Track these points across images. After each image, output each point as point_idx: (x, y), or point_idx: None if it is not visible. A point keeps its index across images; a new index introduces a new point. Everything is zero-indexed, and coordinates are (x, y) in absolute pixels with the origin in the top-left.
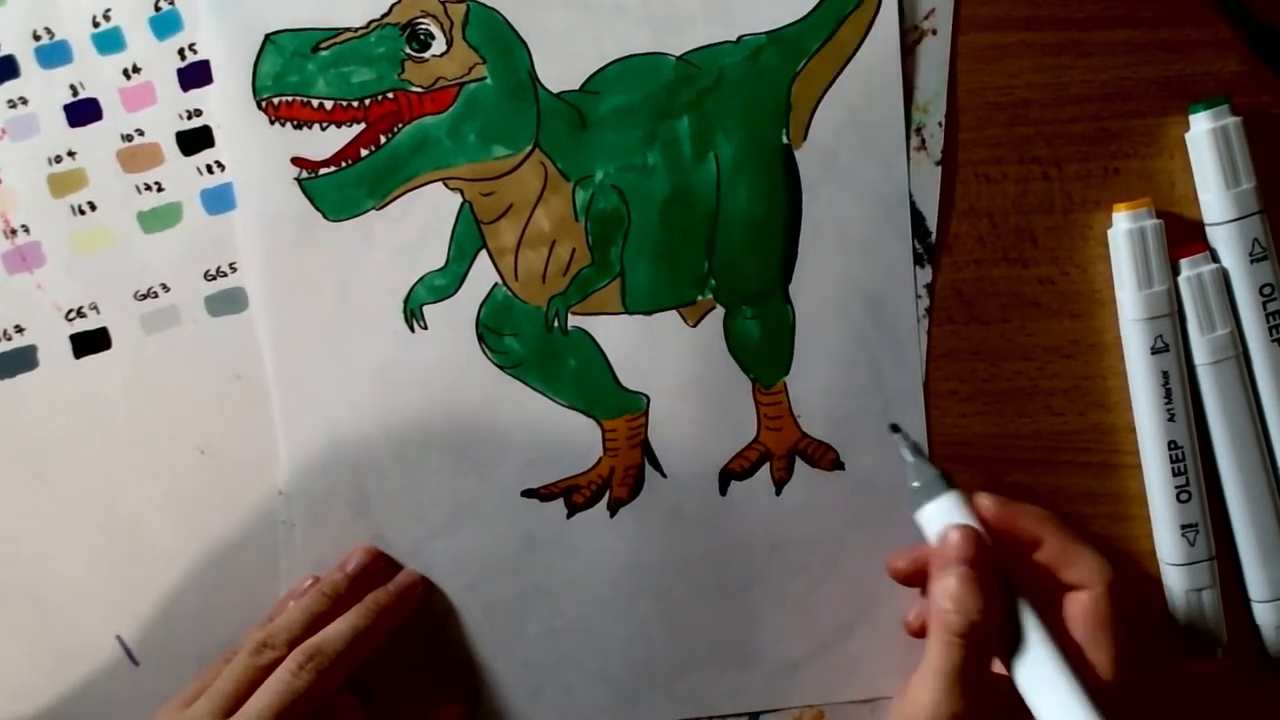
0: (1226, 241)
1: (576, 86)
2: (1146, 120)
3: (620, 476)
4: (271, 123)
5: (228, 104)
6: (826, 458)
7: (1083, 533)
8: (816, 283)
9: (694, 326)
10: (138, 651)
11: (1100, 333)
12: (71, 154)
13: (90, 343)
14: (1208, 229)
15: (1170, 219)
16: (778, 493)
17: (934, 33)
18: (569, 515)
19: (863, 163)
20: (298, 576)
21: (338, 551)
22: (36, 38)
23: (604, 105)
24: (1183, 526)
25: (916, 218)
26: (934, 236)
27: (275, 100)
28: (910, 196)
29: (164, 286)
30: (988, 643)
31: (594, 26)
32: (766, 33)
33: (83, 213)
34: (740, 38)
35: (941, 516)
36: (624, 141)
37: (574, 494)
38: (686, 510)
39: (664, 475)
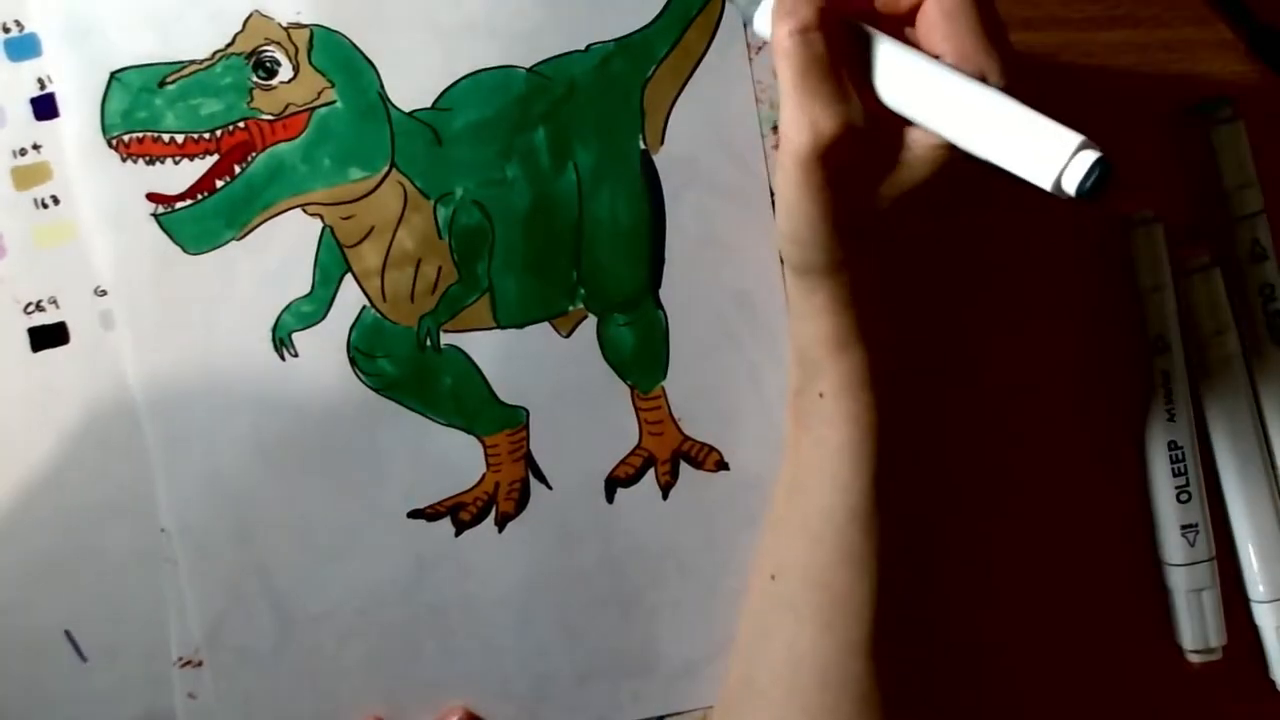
0: (1226, 241)
1: (429, 104)
2: (1147, 120)
3: (505, 491)
4: (123, 160)
5: (77, 144)
6: (710, 459)
7: (1083, 533)
8: (687, 286)
9: (567, 337)
10: (86, 648)
11: (1101, 333)
12: (36, 147)
13: (48, 337)
14: (1208, 229)
15: (1170, 219)
16: (664, 497)
17: None
18: (457, 533)
19: (722, 164)
20: (186, 616)
21: (224, 588)
22: (6, 30)
23: (458, 121)
24: (1183, 526)
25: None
26: None
27: (125, 137)
28: (772, 195)
29: None
30: (814, 38)
31: (442, 45)
32: (615, 40)
33: (46, 206)
34: (589, 46)
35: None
36: (481, 156)
37: (460, 512)
38: (575, 520)
39: (549, 487)
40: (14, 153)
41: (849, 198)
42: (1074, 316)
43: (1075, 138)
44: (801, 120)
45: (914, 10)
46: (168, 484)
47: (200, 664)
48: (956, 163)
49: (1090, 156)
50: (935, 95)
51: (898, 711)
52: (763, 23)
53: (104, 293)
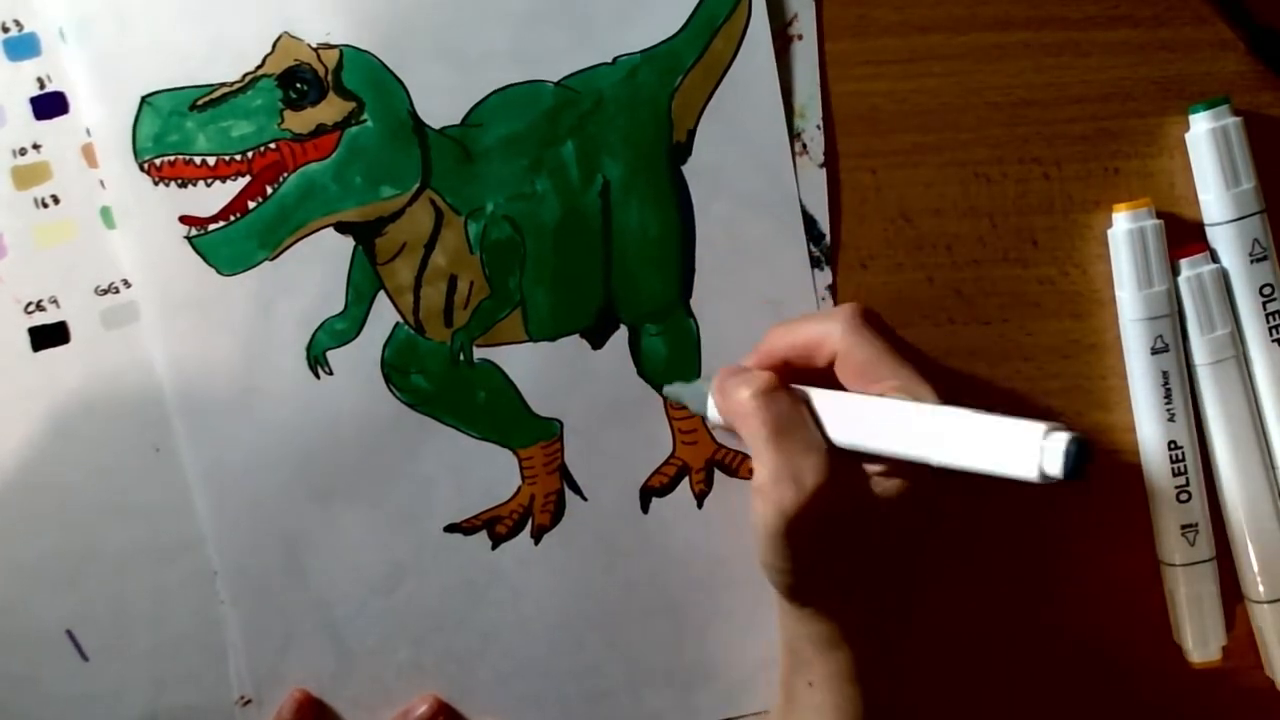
0: (1226, 241)
1: (458, 121)
2: (1146, 120)
3: (541, 503)
4: (155, 184)
5: (110, 169)
6: (745, 466)
7: (1083, 533)
8: (717, 294)
9: (600, 349)
10: (88, 648)
11: (1100, 333)
12: (36, 146)
13: (48, 336)
14: (1208, 229)
15: (1170, 219)
16: (699, 505)
17: (800, 38)
18: (493, 546)
19: (749, 172)
20: (244, 662)
21: (283, 624)
22: (5, 30)
23: (488, 137)
24: (1183, 526)
25: (808, 221)
26: (828, 239)
27: (157, 161)
28: (800, 201)
29: (125, 282)
30: (777, 403)
31: (470, 62)
32: (641, 52)
33: (46, 205)
34: (616, 58)
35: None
36: (511, 171)
37: (496, 525)
38: (611, 531)
39: (584, 498)
40: (14, 152)
41: (827, 544)
42: (1074, 316)
43: (1039, 426)
44: (783, 473)
45: (830, 363)
46: (212, 518)
47: (252, 702)
48: (921, 488)
49: (1062, 439)
50: (899, 429)
51: None
52: (714, 411)
53: (104, 292)
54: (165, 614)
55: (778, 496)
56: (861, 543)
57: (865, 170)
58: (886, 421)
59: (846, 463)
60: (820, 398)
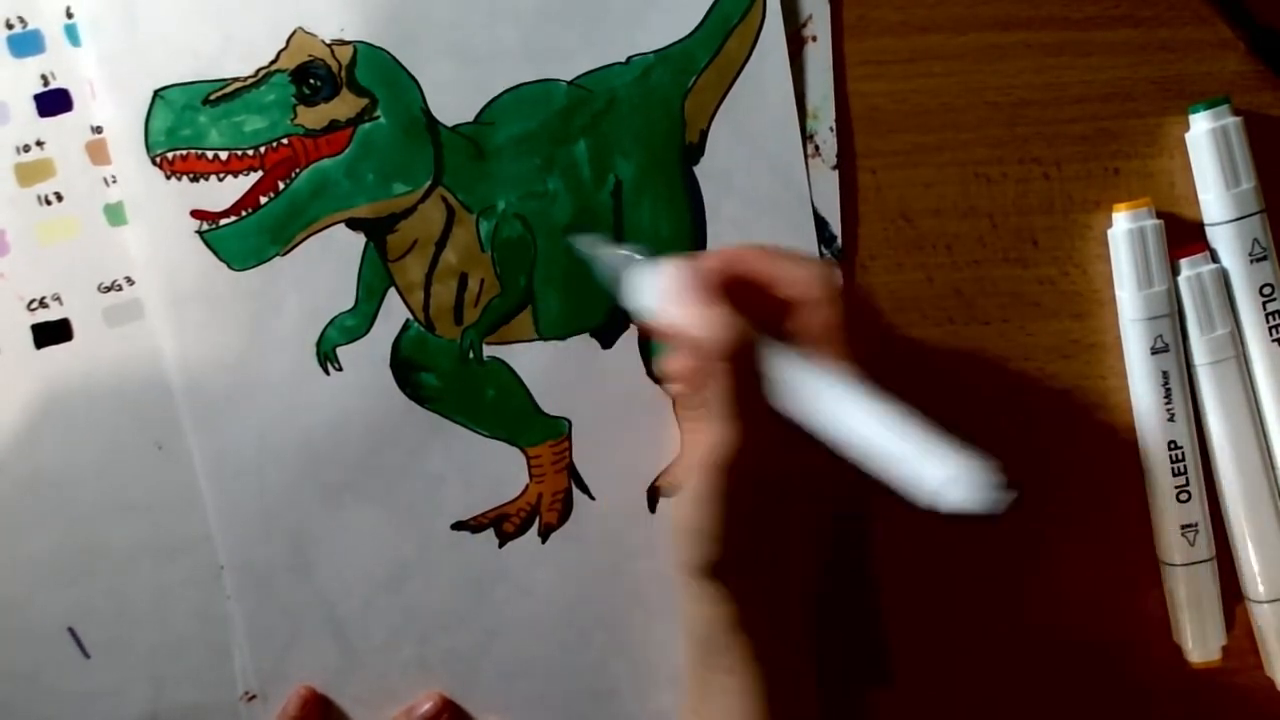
0: (1226, 241)
1: (471, 118)
2: (1146, 120)
3: (549, 502)
4: (167, 178)
5: (122, 163)
6: None
7: (1082, 533)
8: None
9: (609, 348)
10: (90, 645)
11: (1100, 333)
12: (40, 143)
13: (51, 334)
14: (1208, 229)
15: (1170, 219)
16: None
17: (814, 39)
18: (500, 545)
19: (761, 173)
20: (249, 658)
21: (289, 620)
22: (9, 26)
23: (500, 135)
24: (1183, 526)
25: (820, 223)
26: (839, 241)
27: (169, 155)
28: (812, 203)
29: (128, 279)
30: (746, 361)
31: (484, 59)
32: (655, 51)
33: (49, 203)
34: (630, 58)
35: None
36: (523, 169)
37: (503, 523)
38: (618, 531)
39: (592, 498)
40: (17, 149)
41: (752, 509)
42: (1074, 316)
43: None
44: (728, 431)
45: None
46: (218, 513)
47: (257, 698)
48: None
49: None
50: (833, 416)
51: None
52: (641, 295)
53: (107, 289)
54: (167, 612)
55: (715, 452)
56: (779, 512)
57: (865, 170)
58: (831, 404)
59: (783, 426)
60: (775, 358)
